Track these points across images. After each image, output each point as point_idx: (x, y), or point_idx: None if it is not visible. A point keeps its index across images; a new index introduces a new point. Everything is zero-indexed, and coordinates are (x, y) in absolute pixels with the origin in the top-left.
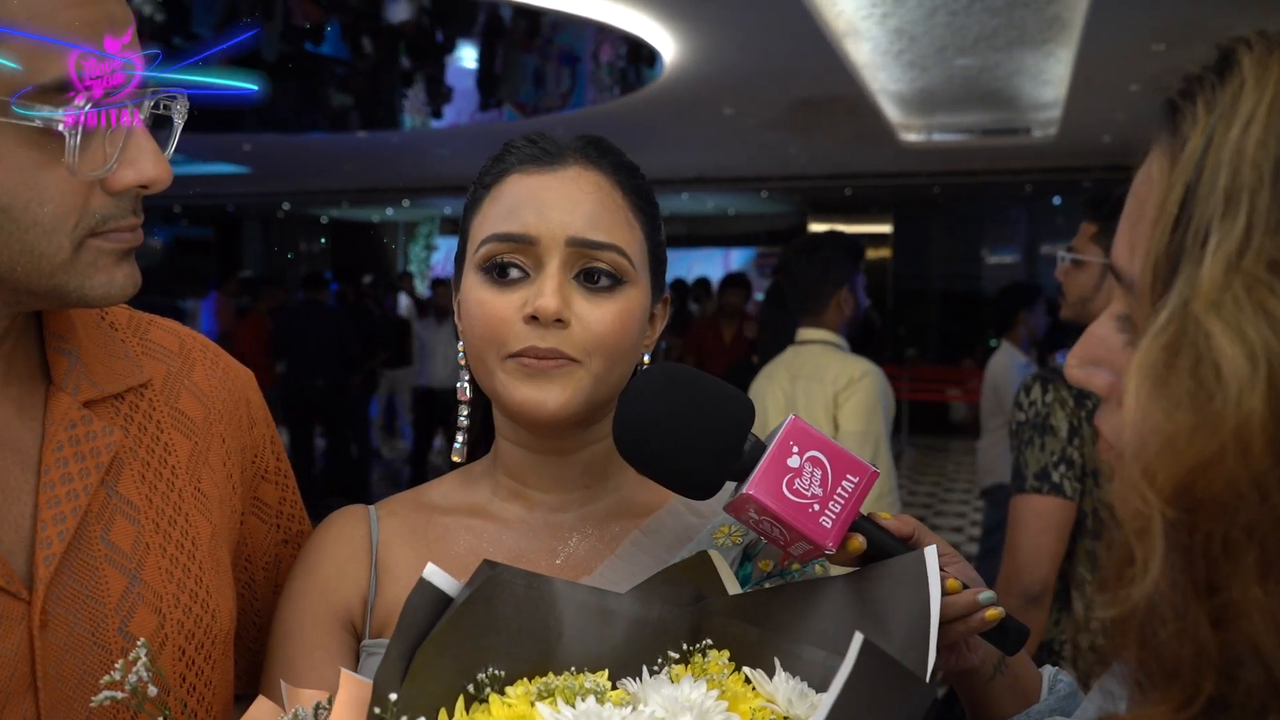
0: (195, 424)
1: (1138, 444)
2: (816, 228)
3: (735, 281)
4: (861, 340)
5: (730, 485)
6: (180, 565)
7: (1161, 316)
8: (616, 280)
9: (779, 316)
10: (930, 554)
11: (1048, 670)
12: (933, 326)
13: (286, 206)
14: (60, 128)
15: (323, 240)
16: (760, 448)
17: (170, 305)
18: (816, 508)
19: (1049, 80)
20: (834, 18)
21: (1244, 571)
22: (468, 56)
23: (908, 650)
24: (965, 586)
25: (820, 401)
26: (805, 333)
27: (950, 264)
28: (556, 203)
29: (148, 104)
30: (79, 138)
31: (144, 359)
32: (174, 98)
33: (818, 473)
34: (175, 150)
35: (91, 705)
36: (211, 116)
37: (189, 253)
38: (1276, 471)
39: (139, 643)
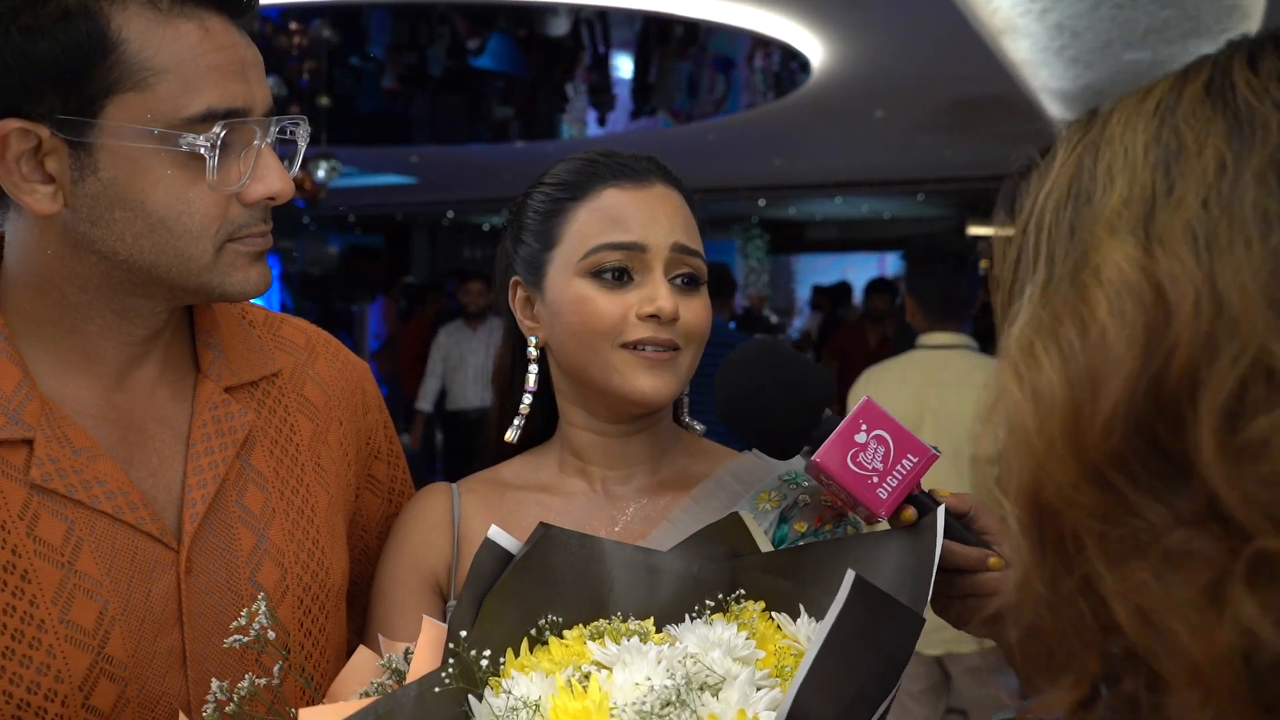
0: (317, 408)
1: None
2: (976, 231)
3: (881, 286)
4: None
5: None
6: (300, 528)
7: (996, 362)
8: (698, 281)
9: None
10: (940, 512)
11: None
12: None
13: (451, 214)
14: (202, 151)
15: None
16: (833, 421)
17: (344, 309)
18: (875, 480)
19: None
20: (989, 15)
21: (1092, 558)
22: (622, 66)
23: (908, 588)
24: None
25: (975, 406)
26: (939, 337)
27: None
28: (658, 216)
29: (274, 128)
30: (217, 159)
31: (276, 352)
32: (297, 123)
33: (881, 449)
34: (348, 164)
35: (224, 646)
36: (381, 130)
37: (361, 259)
38: (1080, 480)
39: (259, 596)
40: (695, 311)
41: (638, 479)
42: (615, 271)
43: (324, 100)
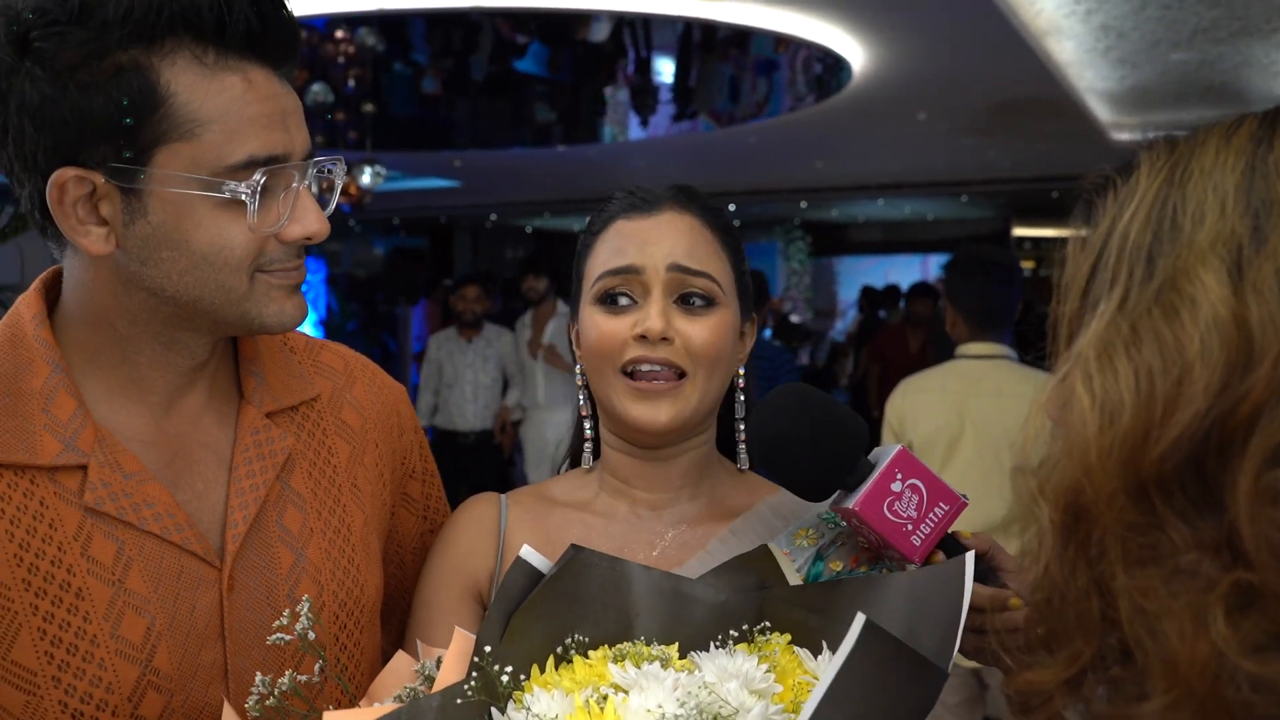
0: (354, 431)
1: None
2: (1021, 232)
3: (923, 290)
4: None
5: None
6: (336, 546)
7: (1061, 367)
8: (710, 302)
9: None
10: (969, 559)
11: None
12: None
13: (493, 217)
14: (244, 197)
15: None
16: (869, 468)
17: (388, 312)
18: (910, 528)
19: None
20: (1033, 17)
21: (1112, 560)
22: (664, 70)
23: (937, 638)
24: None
25: (1016, 416)
26: (978, 347)
27: None
28: (656, 239)
29: (311, 171)
30: (257, 203)
31: (315, 377)
32: (334, 163)
33: (915, 498)
34: (392, 168)
35: (267, 643)
36: (425, 135)
37: (406, 261)
38: (1120, 491)
39: (304, 599)
40: (700, 332)
41: (676, 505)
42: (614, 296)
43: (369, 106)
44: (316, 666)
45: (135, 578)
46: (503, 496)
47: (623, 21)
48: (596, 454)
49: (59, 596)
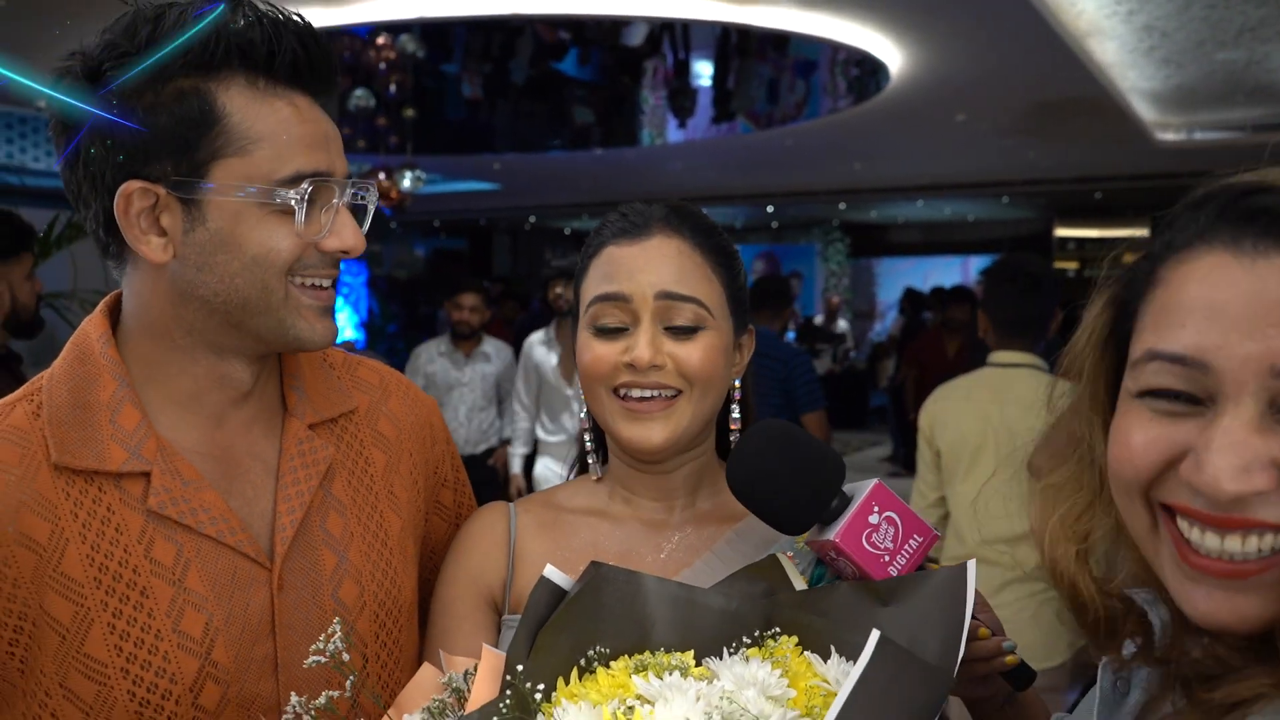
0: (390, 442)
1: None
2: (1064, 233)
3: (960, 295)
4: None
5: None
6: (375, 549)
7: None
8: (698, 328)
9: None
10: (970, 565)
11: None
12: None
13: (532, 219)
14: (293, 204)
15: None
16: (846, 501)
17: (429, 313)
18: (887, 559)
19: None
20: (1074, 18)
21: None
22: (702, 72)
23: (939, 640)
24: (993, 632)
25: (1038, 426)
26: (1008, 355)
27: None
28: (644, 267)
29: (350, 191)
30: (304, 213)
31: (353, 391)
32: (367, 188)
33: (891, 530)
34: (433, 171)
35: (305, 666)
36: (465, 139)
37: (446, 262)
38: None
39: (335, 620)
40: (690, 354)
41: (679, 511)
42: (606, 326)
43: (409, 112)
44: (348, 682)
45: (194, 577)
46: (511, 505)
47: (660, 25)
48: (605, 459)
49: (126, 594)
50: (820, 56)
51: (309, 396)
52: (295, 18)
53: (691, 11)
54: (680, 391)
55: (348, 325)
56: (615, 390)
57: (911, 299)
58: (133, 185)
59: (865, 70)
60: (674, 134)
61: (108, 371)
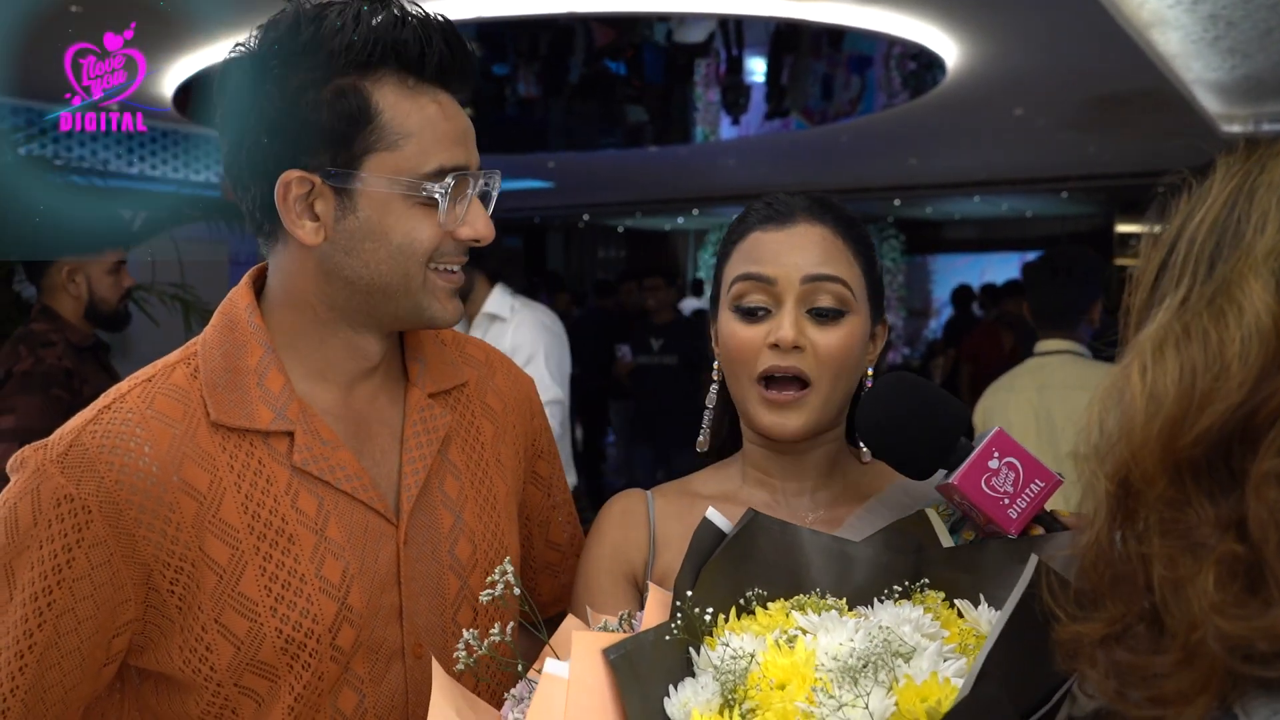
0: (496, 413)
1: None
2: (1125, 229)
3: (1015, 289)
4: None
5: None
6: (486, 511)
7: (1124, 357)
8: (841, 311)
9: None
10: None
11: None
12: None
13: (586, 218)
14: (437, 197)
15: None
16: (968, 449)
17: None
18: (1006, 502)
19: None
20: (1136, 9)
21: (1150, 533)
22: (755, 69)
23: None
24: None
25: (1081, 409)
26: (1049, 344)
27: None
28: (790, 251)
29: (480, 183)
30: (446, 203)
31: (463, 366)
32: (493, 177)
33: (1011, 475)
34: (488, 170)
35: (481, 600)
36: (520, 138)
37: (501, 261)
38: (1159, 471)
39: (505, 560)
40: (828, 341)
41: (811, 492)
42: (751, 308)
43: (468, 111)
44: (508, 626)
45: (333, 528)
46: (648, 492)
47: (715, 22)
48: (735, 444)
49: (275, 540)
50: (876, 51)
51: (428, 368)
52: (439, 17)
53: (746, 7)
54: (809, 384)
55: None
56: (758, 378)
57: (960, 294)
58: (292, 174)
59: (921, 64)
60: (727, 131)
61: (254, 339)
